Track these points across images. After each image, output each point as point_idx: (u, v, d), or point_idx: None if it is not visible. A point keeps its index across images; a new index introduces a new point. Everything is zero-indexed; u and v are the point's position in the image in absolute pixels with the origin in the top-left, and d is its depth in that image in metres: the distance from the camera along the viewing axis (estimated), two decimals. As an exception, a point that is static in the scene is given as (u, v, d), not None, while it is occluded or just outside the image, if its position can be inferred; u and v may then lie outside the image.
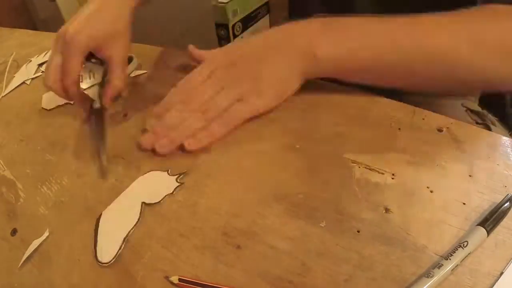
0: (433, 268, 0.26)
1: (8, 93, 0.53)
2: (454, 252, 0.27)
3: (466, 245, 0.27)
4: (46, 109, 0.49)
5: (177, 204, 0.34)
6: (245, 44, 0.37)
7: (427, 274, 0.26)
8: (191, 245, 0.31)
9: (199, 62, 0.41)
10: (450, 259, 0.26)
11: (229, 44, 0.36)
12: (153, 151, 0.37)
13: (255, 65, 0.34)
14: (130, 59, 0.47)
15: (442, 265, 0.26)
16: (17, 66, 0.59)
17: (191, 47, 0.44)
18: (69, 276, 0.30)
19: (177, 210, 0.33)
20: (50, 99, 0.49)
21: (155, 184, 0.35)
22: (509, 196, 0.31)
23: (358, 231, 0.30)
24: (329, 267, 0.28)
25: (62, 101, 0.48)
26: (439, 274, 0.26)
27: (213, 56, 0.38)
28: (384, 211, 0.31)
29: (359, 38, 0.30)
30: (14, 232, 0.34)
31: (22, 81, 0.55)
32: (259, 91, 0.34)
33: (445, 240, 0.29)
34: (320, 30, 0.32)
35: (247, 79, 0.34)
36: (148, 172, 0.37)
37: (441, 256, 0.28)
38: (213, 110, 0.36)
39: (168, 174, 0.36)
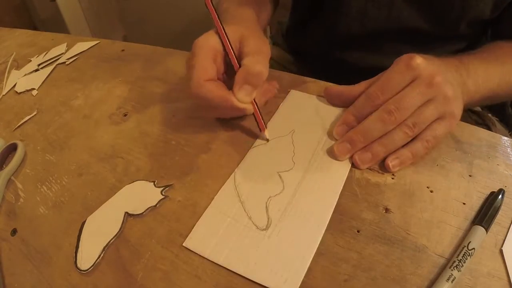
0: (450, 269, 0.26)
1: (8, 92, 0.53)
2: (460, 254, 0.27)
3: (471, 248, 0.27)
4: (17, 92, 0.52)
5: (177, 204, 0.34)
6: (434, 66, 0.34)
7: (448, 277, 0.26)
8: (191, 245, 0.31)
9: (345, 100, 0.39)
10: (458, 261, 0.26)
11: (414, 57, 0.34)
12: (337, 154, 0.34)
13: (451, 87, 0.34)
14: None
15: (456, 266, 0.26)
16: (17, 66, 0.59)
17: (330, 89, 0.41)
18: (69, 276, 0.30)
19: (177, 210, 0.33)
20: (22, 84, 0.53)
21: (140, 195, 0.35)
22: (501, 190, 0.31)
23: (358, 231, 0.30)
24: (329, 267, 0.28)
25: (32, 86, 0.52)
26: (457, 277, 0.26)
27: (407, 60, 0.34)
28: (384, 211, 0.31)
29: (489, 81, 0.40)
30: (14, 232, 0.34)
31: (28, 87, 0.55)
32: (457, 114, 0.34)
33: (445, 240, 0.29)
34: (463, 80, 0.37)
35: (452, 98, 0.33)
36: (136, 181, 0.36)
37: (440, 255, 0.28)
38: (420, 126, 0.33)
39: (155, 185, 0.35)
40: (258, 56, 0.35)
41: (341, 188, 0.33)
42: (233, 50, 0.36)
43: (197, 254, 0.30)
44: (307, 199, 0.32)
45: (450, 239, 0.29)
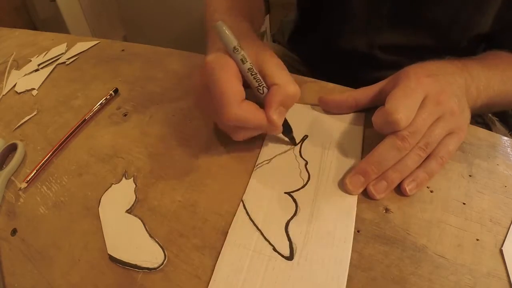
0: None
1: (8, 92, 0.53)
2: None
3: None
4: (17, 92, 0.52)
5: (177, 204, 0.34)
6: (439, 82, 0.34)
7: None
8: (191, 245, 0.31)
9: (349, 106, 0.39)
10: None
11: (416, 68, 0.35)
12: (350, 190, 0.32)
13: (457, 101, 0.34)
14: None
15: None
16: (17, 66, 0.59)
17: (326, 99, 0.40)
18: (69, 276, 0.30)
19: (177, 210, 0.33)
20: (22, 84, 0.53)
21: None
22: None
23: (358, 231, 0.30)
24: (329, 267, 0.28)
25: (32, 86, 0.52)
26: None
27: (416, 78, 0.34)
28: (384, 211, 0.31)
29: (490, 88, 0.39)
30: (14, 232, 0.34)
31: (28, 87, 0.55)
32: (464, 126, 0.34)
33: (445, 240, 0.29)
34: (467, 85, 0.37)
35: (458, 112, 0.33)
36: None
37: (440, 255, 0.28)
38: (432, 145, 0.33)
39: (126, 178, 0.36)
40: (286, 75, 0.33)
41: (357, 196, 0.32)
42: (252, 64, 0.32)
43: (197, 253, 0.30)
44: (327, 216, 0.31)
45: (450, 239, 0.29)
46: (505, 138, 0.37)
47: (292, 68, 0.65)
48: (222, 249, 0.30)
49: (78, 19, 1.60)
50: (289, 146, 0.37)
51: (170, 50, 0.55)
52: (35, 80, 0.54)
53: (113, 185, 0.36)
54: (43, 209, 0.36)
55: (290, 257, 0.29)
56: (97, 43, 0.61)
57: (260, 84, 0.33)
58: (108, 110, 0.46)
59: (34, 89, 0.53)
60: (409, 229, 0.30)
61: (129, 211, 0.34)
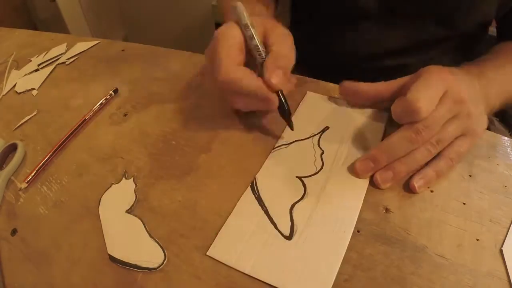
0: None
1: (8, 92, 0.53)
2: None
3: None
4: (17, 92, 0.52)
5: (177, 204, 0.34)
6: (460, 82, 0.34)
7: None
8: (191, 245, 0.31)
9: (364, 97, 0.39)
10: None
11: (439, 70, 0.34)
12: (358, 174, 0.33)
13: (475, 104, 0.34)
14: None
15: None
16: (17, 66, 0.59)
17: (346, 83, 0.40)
18: (69, 276, 0.30)
19: (177, 210, 0.33)
20: (22, 84, 0.53)
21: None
22: None
23: (358, 231, 0.30)
24: (329, 267, 0.28)
25: (32, 86, 0.52)
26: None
27: (438, 73, 0.33)
28: (384, 211, 0.31)
29: (507, 86, 0.41)
30: (14, 232, 0.34)
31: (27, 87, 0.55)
32: (479, 131, 0.34)
33: (445, 240, 0.29)
34: (488, 91, 0.38)
35: (475, 115, 0.33)
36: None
37: (440, 255, 0.28)
38: (443, 143, 0.32)
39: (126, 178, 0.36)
40: (284, 42, 0.36)
41: (365, 190, 0.32)
42: (258, 39, 0.35)
43: (197, 253, 0.30)
44: (332, 205, 0.32)
45: (450, 239, 0.29)
46: (505, 138, 0.37)
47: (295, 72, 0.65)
48: (227, 219, 0.31)
49: (78, 19, 1.60)
50: (307, 134, 0.38)
51: (170, 50, 0.55)
52: (35, 80, 0.54)
53: (113, 185, 0.36)
54: (43, 209, 0.36)
55: (289, 237, 0.30)
56: (97, 43, 0.61)
57: (264, 60, 0.35)
58: (108, 110, 0.46)
59: (34, 89, 0.52)
60: (409, 229, 0.30)
61: (129, 211, 0.34)
